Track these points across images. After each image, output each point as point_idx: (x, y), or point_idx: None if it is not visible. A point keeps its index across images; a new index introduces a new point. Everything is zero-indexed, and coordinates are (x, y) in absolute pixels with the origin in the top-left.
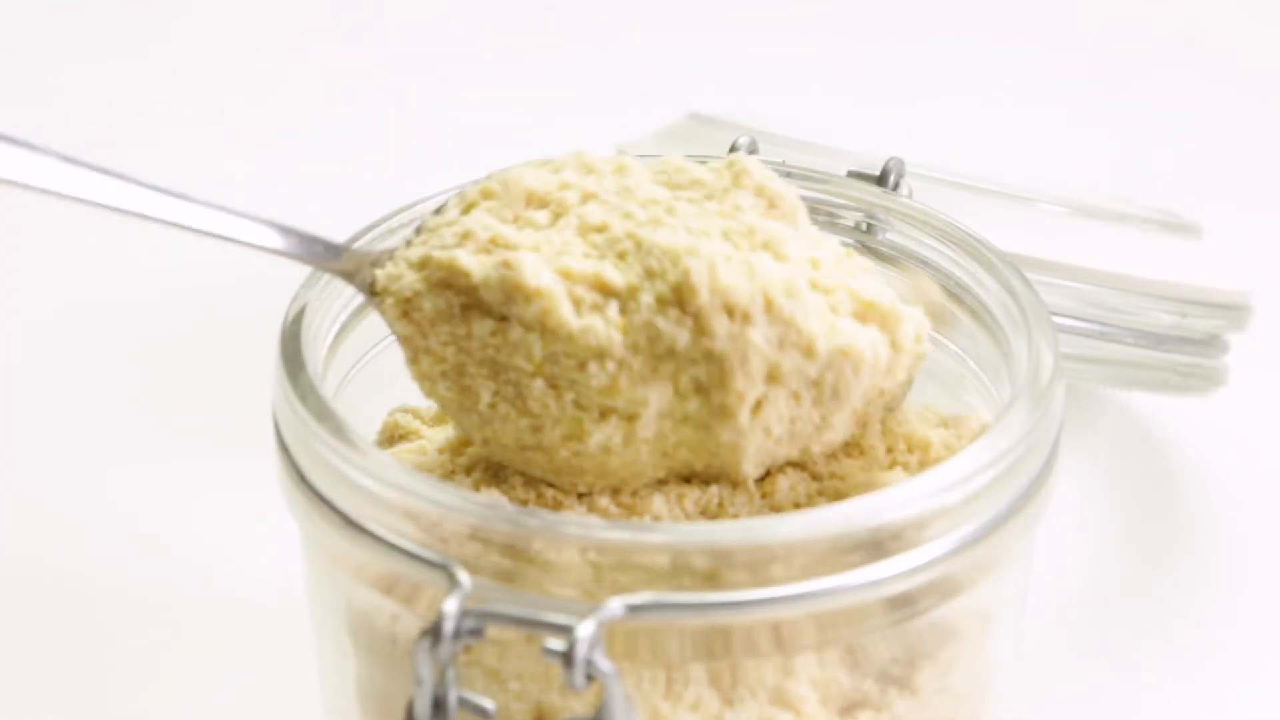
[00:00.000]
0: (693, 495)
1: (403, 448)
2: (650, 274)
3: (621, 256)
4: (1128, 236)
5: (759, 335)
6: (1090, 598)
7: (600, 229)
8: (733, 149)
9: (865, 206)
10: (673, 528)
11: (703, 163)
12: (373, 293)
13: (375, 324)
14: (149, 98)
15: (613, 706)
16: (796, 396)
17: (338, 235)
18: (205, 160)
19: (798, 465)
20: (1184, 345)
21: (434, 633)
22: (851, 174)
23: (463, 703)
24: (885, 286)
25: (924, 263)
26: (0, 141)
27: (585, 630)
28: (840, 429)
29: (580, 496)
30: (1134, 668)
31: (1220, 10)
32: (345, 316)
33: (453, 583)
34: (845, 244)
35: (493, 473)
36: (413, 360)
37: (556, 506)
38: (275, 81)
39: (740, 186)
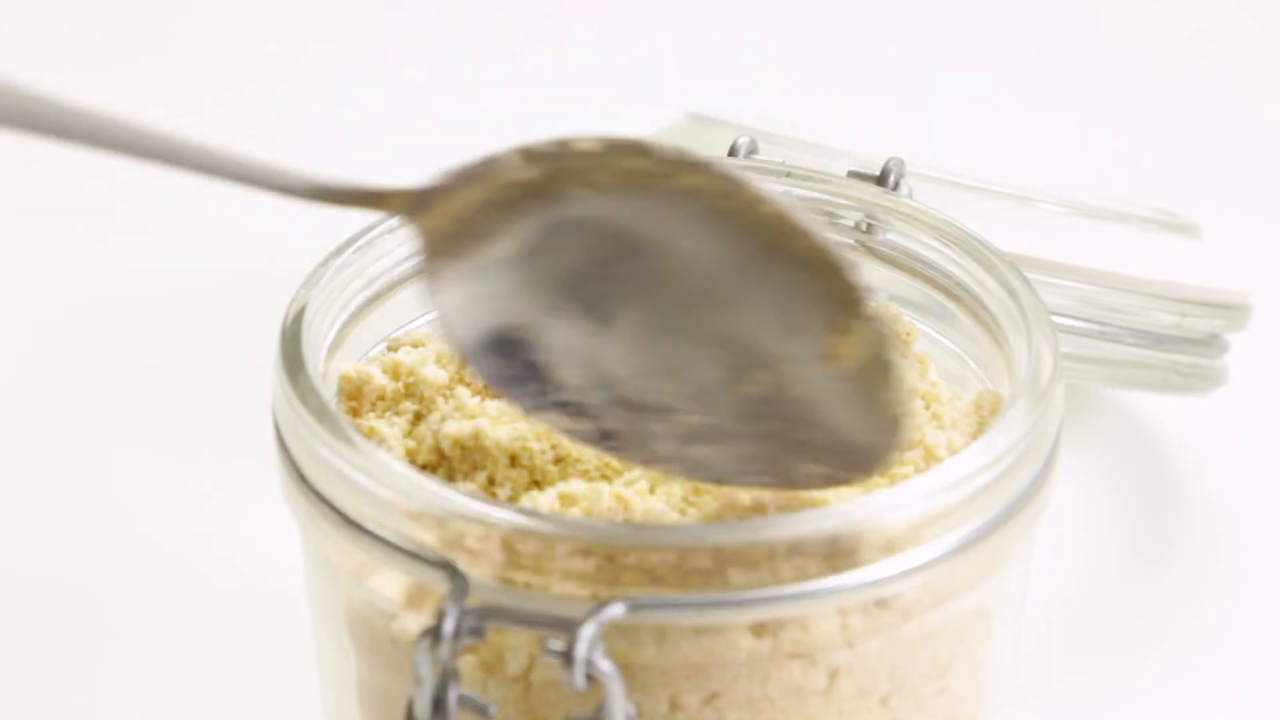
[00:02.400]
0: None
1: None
2: None
3: None
4: (1128, 236)
5: None
6: (1090, 598)
7: None
8: (732, 150)
9: (865, 206)
10: (673, 527)
11: None
12: None
13: (377, 324)
14: (147, 99)
15: (613, 706)
16: None
17: (334, 236)
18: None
19: None
20: (1184, 345)
21: (434, 633)
22: (851, 174)
23: (463, 702)
24: None
25: (924, 263)
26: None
27: (585, 630)
28: None
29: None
30: (1134, 667)
31: (1218, 10)
32: (345, 317)
33: (453, 582)
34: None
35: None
36: None
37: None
38: (268, 79)
39: None
